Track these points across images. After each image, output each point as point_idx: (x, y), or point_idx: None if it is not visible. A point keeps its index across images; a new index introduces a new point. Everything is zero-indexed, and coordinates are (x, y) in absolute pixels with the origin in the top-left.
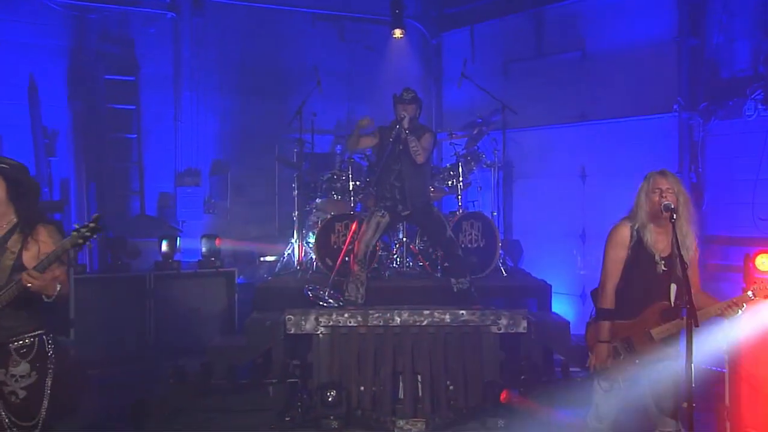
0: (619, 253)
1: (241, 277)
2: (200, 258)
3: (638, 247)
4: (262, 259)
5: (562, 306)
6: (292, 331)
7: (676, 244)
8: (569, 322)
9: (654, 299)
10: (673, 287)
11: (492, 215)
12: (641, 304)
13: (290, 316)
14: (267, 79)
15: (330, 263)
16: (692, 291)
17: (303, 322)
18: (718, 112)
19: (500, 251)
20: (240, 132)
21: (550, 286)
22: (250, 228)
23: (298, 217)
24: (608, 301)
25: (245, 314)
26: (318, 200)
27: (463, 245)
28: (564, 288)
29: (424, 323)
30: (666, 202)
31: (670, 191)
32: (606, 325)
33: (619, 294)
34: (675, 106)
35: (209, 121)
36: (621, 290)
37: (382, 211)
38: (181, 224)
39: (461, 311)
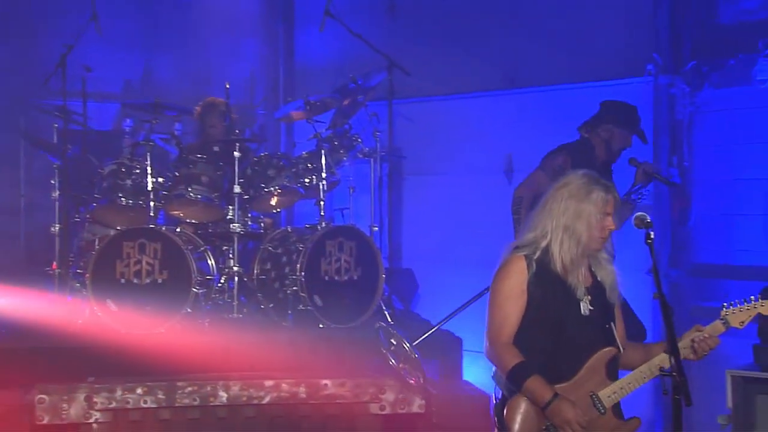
0: (513, 292)
1: None
2: None
3: (543, 281)
4: None
5: (478, 371)
6: (45, 421)
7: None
8: (490, 396)
9: (591, 349)
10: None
11: (372, 231)
12: (573, 359)
13: (43, 396)
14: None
15: (115, 309)
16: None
17: (65, 406)
18: (713, 75)
19: (384, 286)
20: None
21: (461, 340)
22: None
23: (62, 234)
24: (514, 355)
25: None
26: (95, 206)
27: (326, 277)
28: (482, 344)
29: (266, 401)
30: (640, 214)
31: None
32: (535, 380)
33: (530, 351)
34: (649, 67)
35: None
36: (532, 345)
37: None
38: None
39: (324, 381)
